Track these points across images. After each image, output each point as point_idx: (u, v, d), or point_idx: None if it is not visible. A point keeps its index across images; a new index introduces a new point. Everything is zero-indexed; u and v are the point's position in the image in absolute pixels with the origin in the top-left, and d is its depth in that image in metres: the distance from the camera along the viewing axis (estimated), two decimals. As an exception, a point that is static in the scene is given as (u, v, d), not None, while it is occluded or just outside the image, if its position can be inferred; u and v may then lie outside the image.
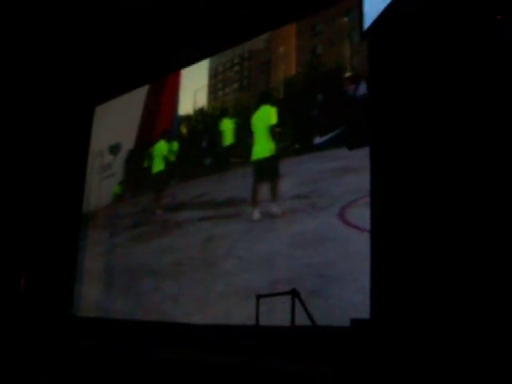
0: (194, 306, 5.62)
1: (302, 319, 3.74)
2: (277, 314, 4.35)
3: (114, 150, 7.56)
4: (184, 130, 6.85)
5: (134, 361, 5.30)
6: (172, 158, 6.80)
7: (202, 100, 6.58)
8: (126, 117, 7.48)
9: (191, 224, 6.13)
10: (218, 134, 6.26)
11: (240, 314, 5.03)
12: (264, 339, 4.03)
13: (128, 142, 7.43)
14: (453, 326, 3.25)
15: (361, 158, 4.68)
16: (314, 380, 3.73)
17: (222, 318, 5.26)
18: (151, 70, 7.10)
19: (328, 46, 5.39)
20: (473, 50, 3.52)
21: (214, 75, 6.53)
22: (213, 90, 6.53)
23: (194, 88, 6.68)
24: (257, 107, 5.79)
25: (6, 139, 7.23)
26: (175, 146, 6.79)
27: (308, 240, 4.86)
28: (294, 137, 5.42)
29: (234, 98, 6.26)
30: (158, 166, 6.93)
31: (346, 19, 5.21)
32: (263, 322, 4.01)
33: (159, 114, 7.20)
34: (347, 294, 4.34)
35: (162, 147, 6.96)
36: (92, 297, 7.08)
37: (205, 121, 6.59)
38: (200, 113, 6.63)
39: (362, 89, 4.91)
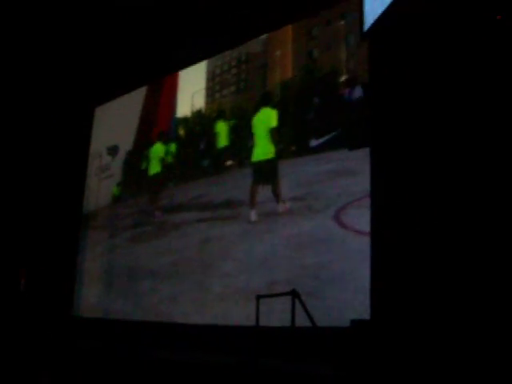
0: (191, 307, 5.67)
1: (301, 320, 3.76)
2: (276, 315, 4.39)
3: (112, 151, 7.59)
4: (182, 131, 6.90)
5: (133, 361, 5.31)
6: (169, 160, 6.85)
7: (199, 102, 6.63)
8: (125, 118, 7.51)
9: (189, 225, 6.17)
10: (214, 136, 6.32)
11: (238, 315, 5.09)
12: (264, 340, 4.03)
13: (126, 144, 7.46)
14: (452, 327, 3.25)
15: (356, 160, 4.76)
16: (314, 381, 3.73)
17: (220, 320, 5.30)
18: (150, 71, 7.12)
19: (324, 50, 5.43)
20: (473, 50, 3.52)
21: (211, 78, 6.58)
22: (210, 92, 6.58)
23: (191, 90, 6.72)
24: (257, 109, 5.81)
25: (7, 140, 7.21)
26: (173, 147, 6.84)
27: (305, 242, 4.91)
28: (290, 139, 5.47)
29: (231, 100, 6.31)
30: (155, 168, 6.97)
31: (342, 23, 5.25)
32: (263, 322, 4.03)
33: (157, 116, 7.24)
34: (344, 295, 4.39)
35: (158, 149, 7.00)
36: (92, 297, 7.10)
37: (202, 123, 6.63)
38: (197, 115, 6.67)
39: (357, 92, 4.98)
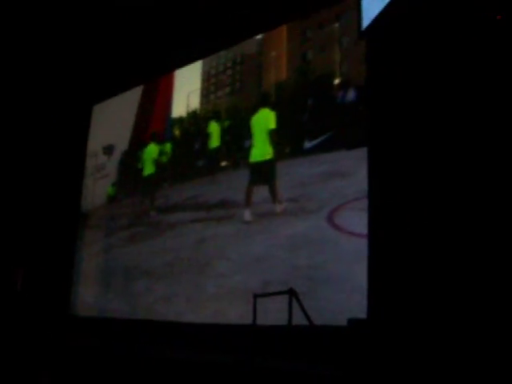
0: (186, 307, 5.70)
1: (298, 319, 3.79)
2: (272, 314, 4.38)
3: (108, 150, 7.61)
4: (177, 131, 6.94)
5: (130, 359, 5.33)
6: (164, 160, 6.89)
7: (194, 102, 6.66)
8: (121, 118, 7.52)
9: (184, 225, 6.22)
10: (207, 137, 6.36)
11: (232, 315, 5.14)
12: (261, 338, 4.04)
13: (122, 143, 7.48)
14: (450, 326, 3.24)
15: (349, 162, 4.84)
16: (311, 380, 3.73)
17: (215, 319, 5.34)
18: (147, 69, 7.13)
19: (318, 52, 5.48)
20: (473, 50, 3.48)
21: (206, 78, 6.62)
22: (205, 92, 6.61)
23: (187, 91, 6.76)
24: (256, 109, 5.82)
25: (4, 139, 7.19)
26: (168, 147, 6.87)
27: (298, 242, 4.97)
28: (285, 140, 5.52)
29: (226, 101, 6.36)
30: (149, 169, 7.00)
31: (336, 25, 5.30)
32: (259, 322, 4.05)
33: (153, 116, 7.26)
34: (338, 296, 4.45)
35: (151, 150, 7.03)
36: (89, 296, 7.12)
37: (197, 123, 6.68)
38: (193, 115, 6.71)
39: (351, 95, 5.05)
